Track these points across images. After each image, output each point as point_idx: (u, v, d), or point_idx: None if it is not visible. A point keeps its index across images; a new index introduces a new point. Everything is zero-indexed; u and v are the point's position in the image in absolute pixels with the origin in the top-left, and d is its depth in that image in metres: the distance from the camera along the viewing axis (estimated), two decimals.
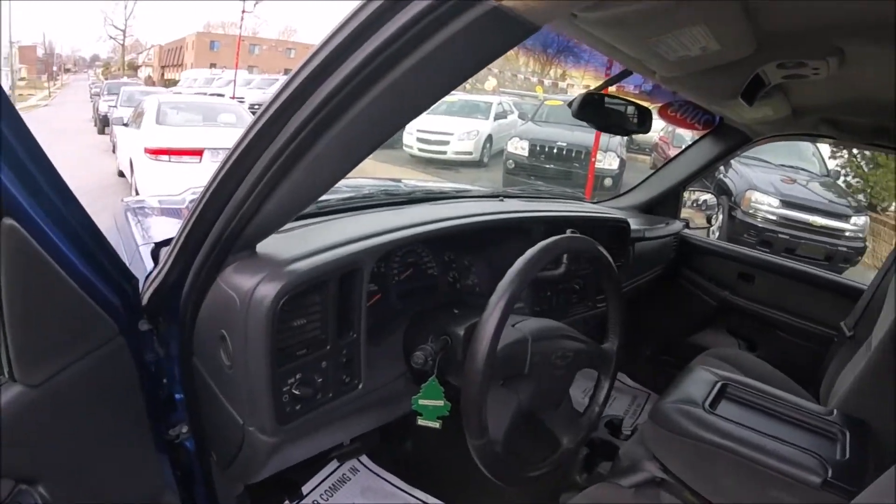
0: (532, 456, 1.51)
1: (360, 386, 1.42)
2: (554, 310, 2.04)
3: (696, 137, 3.02)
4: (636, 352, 3.25)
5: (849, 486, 1.46)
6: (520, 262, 1.31)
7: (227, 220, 1.18)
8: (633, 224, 2.60)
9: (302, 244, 1.35)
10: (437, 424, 1.47)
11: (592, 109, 1.89)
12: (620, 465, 1.79)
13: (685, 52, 1.38)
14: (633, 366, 3.25)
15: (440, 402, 1.46)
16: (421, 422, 1.48)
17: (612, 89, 1.97)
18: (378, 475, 2.36)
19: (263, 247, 1.32)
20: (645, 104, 2.05)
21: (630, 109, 2.01)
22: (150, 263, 1.39)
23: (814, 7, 1.27)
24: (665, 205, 3.10)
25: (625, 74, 1.85)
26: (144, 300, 1.31)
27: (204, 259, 1.25)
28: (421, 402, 1.46)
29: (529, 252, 1.34)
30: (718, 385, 1.87)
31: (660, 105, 2.54)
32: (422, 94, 0.97)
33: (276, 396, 1.25)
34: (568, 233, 1.57)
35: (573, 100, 1.91)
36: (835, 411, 1.85)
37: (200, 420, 1.40)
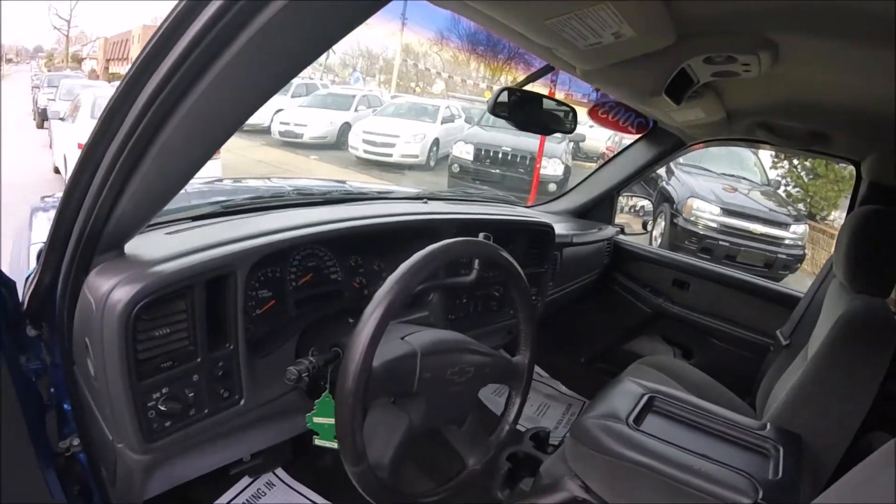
0: (431, 475, 1.40)
1: (242, 402, 1.32)
2: (471, 317, 1.95)
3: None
4: (571, 359, 3.22)
5: None
6: (401, 269, 1.19)
7: (86, 217, 1.08)
8: (562, 229, 2.53)
9: (176, 245, 1.25)
10: (335, 444, 1.31)
11: (510, 106, 1.79)
12: (541, 483, 1.70)
13: (596, 38, 1.27)
14: (568, 373, 3.19)
15: (331, 420, 1.34)
16: (318, 442, 1.37)
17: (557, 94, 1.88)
18: (295, 490, 2.22)
19: (134, 248, 1.21)
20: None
21: (552, 107, 1.93)
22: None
23: None
24: (600, 209, 3.05)
25: (546, 70, 1.77)
26: (25, 304, 1.22)
27: (70, 260, 1.15)
28: (315, 419, 1.34)
29: (413, 258, 1.21)
30: (645, 398, 1.79)
31: (590, 106, 2.48)
32: (265, 75, 0.87)
33: (140, 412, 1.15)
34: (480, 237, 1.46)
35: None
36: (768, 425, 1.79)
37: (88, 432, 1.30)
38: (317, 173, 11.59)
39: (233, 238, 1.31)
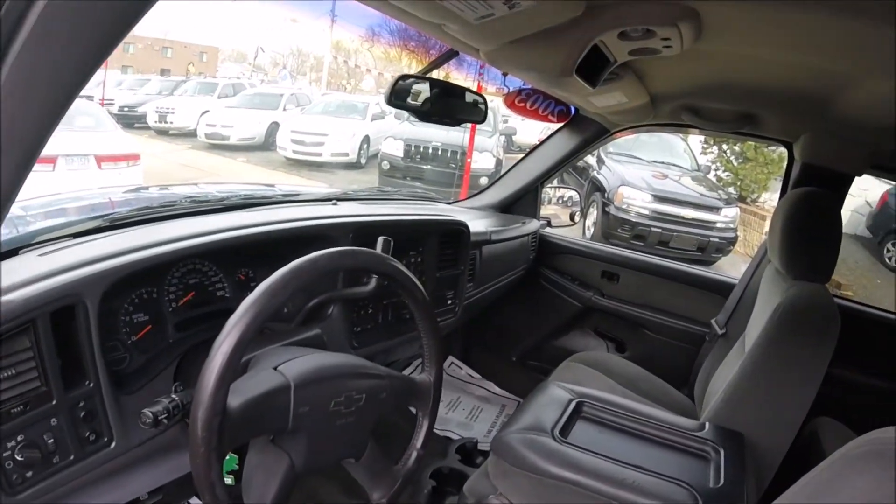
0: None
1: (113, 444, 1.17)
2: (380, 329, 1.81)
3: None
4: (502, 358, 3.14)
5: None
6: (256, 292, 1.03)
7: None
8: (481, 226, 2.44)
9: (34, 270, 1.10)
10: (229, 481, 1.17)
11: (409, 95, 1.66)
12: (465, 502, 1.60)
13: (487, 9, 1.13)
14: (500, 373, 3.13)
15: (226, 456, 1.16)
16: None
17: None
18: None
19: None
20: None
21: (460, 96, 1.82)
22: None
23: None
24: (524, 203, 2.98)
25: (450, 55, 1.64)
26: None
27: None
28: None
29: (272, 277, 1.06)
30: (573, 404, 1.71)
31: (505, 94, 2.36)
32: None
33: None
34: (380, 241, 1.33)
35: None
36: (707, 425, 1.73)
37: None
38: (244, 176, 11.32)
39: (83, 261, 1.15)
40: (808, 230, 1.90)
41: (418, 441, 1.34)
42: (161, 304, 1.36)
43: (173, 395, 1.12)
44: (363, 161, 12.89)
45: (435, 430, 2.44)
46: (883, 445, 0.87)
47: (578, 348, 2.82)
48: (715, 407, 1.83)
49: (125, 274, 1.18)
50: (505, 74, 1.75)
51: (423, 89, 1.68)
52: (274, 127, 13.52)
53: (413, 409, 1.34)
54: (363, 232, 1.68)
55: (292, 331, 1.44)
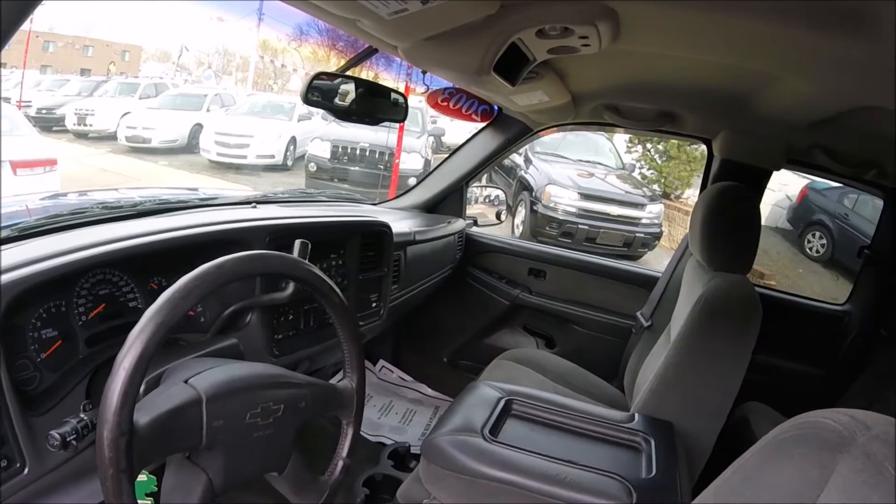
0: None
1: (27, 470, 1.10)
2: (303, 335, 1.75)
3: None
4: (433, 359, 3.14)
5: None
6: (159, 301, 0.98)
7: None
8: (405, 227, 2.42)
9: None
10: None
11: (327, 94, 1.61)
12: None
13: (400, 4, 1.11)
14: (432, 374, 3.12)
15: (143, 477, 1.14)
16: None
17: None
18: None
19: None
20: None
21: (379, 94, 1.79)
22: None
23: None
24: (449, 202, 2.98)
25: (368, 53, 1.61)
26: None
27: None
28: None
29: (175, 285, 1.01)
30: (502, 403, 1.70)
31: (428, 93, 2.35)
32: None
33: None
34: (297, 245, 1.30)
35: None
36: (636, 416, 1.76)
37: None
38: (166, 180, 10.97)
39: None
40: (727, 223, 1.95)
41: (344, 450, 1.31)
42: (71, 318, 1.28)
43: (82, 415, 1.04)
44: (289, 163, 12.63)
45: (367, 436, 2.42)
46: (810, 429, 0.88)
47: (508, 346, 2.85)
48: (643, 398, 1.86)
49: (28, 286, 1.10)
50: (424, 72, 1.74)
51: (345, 88, 1.65)
52: (197, 128, 13.10)
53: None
54: (280, 235, 1.63)
55: (207, 341, 1.39)
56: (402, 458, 2.10)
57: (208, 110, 13.89)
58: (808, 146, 2.34)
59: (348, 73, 1.71)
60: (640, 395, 1.91)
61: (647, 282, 2.75)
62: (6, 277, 1.08)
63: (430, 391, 3.11)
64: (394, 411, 2.92)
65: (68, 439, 1.00)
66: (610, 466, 1.48)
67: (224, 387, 1.08)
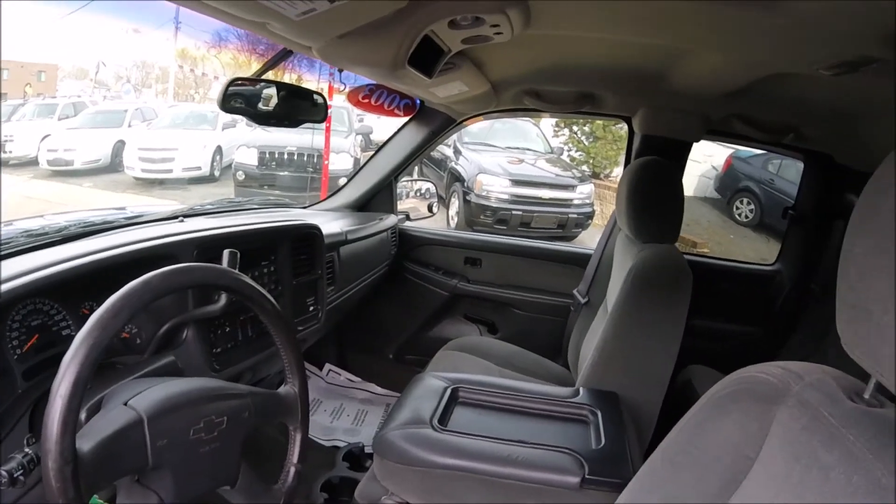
0: None
1: None
2: (242, 346, 1.73)
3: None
4: (379, 357, 3.15)
5: (610, 479, 1.38)
6: (87, 325, 0.97)
7: None
8: (336, 227, 2.41)
9: None
10: None
11: (246, 99, 1.60)
12: None
13: (307, 5, 1.11)
14: (380, 372, 3.12)
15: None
16: None
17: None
18: None
19: None
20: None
21: (297, 96, 1.79)
22: None
23: None
24: (380, 199, 2.99)
25: (284, 55, 1.61)
26: None
27: None
28: None
29: (102, 307, 1.00)
30: (448, 392, 1.72)
31: (348, 91, 2.35)
32: None
33: None
34: (225, 255, 1.30)
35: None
36: (581, 390, 1.79)
37: None
38: (93, 203, 10.49)
39: None
40: (651, 197, 2.01)
41: (294, 456, 1.32)
42: (5, 353, 1.23)
43: (27, 449, 1.00)
44: (217, 173, 12.33)
45: (321, 441, 2.41)
46: (745, 384, 0.92)
47: (452, 335, 2.85)
48: (586, 372, 1.91)
49: None
50: (340, 71, 1.74)
51: (267, 93, 1.65)
52: (120, 146, 12.58)
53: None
54: (208, 246, 1.61)
55: (145, 361, 1.37)
56: (358, 458, 2.10)
57: (130, 126, 13.37)
58: (726, 116, 2.44)
59: (267, 76, 1.70)
60: (583, 369, 1.96)
61: (581, 260, 2.81)
62: None
63: (379, 389, 3.10)
64: (345, 413, 2.90)
65: (15, 475, 0.97)
66: (560, 442, 1.51)
67: (164, 405, 1.08)
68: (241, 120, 13.28)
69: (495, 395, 1.74)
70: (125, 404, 1.06)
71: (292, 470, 1.31)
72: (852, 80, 1.59)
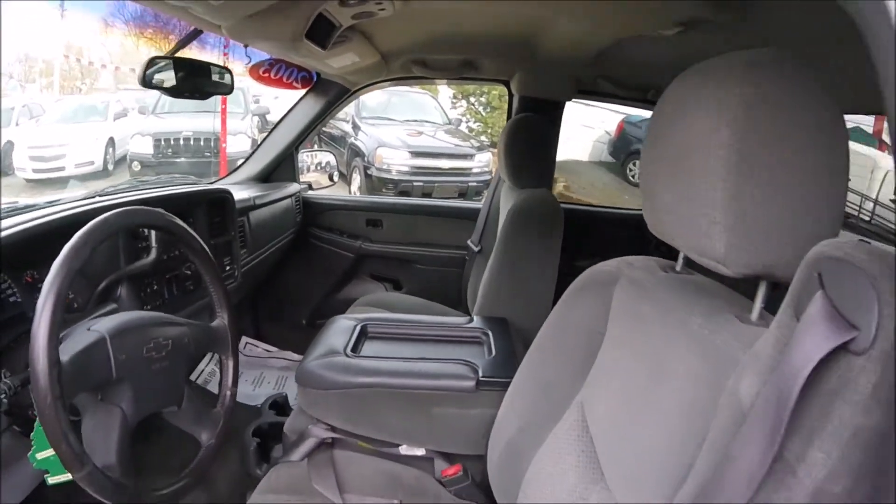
0: (174, 465, 1.38)
1: None
2: (167, 303, 1.87)
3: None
4: (293, 324, 3.28)
5: (501, 378, 1.55)
6: (62, 253, 1.16)
7: None
8: (244, 194, 2.53)
9: None
10: (69, 476, 1.22)
11: (161, 75, 1.75)
12: (289, 442, 1.74)
13: None
14: (295, 339, 3.20)
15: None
16: (51, 480, 1.25)
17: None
18: None
19: None
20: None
21: (205, 70, 1.93)
22: None
23: None
24: (283, 170, 3.10)
25: (195, 34, 1.77)
26: None
27: None
28: (39, 455, 1.23)
29: (72, 239, 1.19)
30: (358, 328, 1.89)
31: (249, 66, 2.49)
32: None
33: None
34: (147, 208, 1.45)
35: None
36: (475, 318, 2.01)
37: None
38: None
39: None
40: (525, 148, 2.27)
41: (228, 380, 1.52)
42: None
43: (5, 381, 1.21)
44: (110, 167, 11.54)
45: (246, 404, 2.53)
46: (591, 275, 1.20)
47: (360, 295, 2.99)
48: (478, 304, 2.14)
49: None
50: (246, 46, 1.91)
51: (177, 68, 1.79)
52: (9, 146, 11.54)
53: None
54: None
55: (88, 315, 1.49)
56: (283, 406, 2.22)
57: (17, 125, 12.40)
58: (594, 77, 2.72)
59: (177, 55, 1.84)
60: (476, 301, 2.19)
61: (471, 213, 3.03)
62: None
63: (296, 356, 3.17)
64: (266, 381, 2.99)
65: (1, 398, 1.18)
66: (457, 357, 1.72)
67: (121, 326, 1.27)
68: (132, 108, 12.70)
69: (400, 328, 1.93)
70: (88, 329, 1.25)
71: (228, 393, 1.51)
72: (693, 39, 1.85)
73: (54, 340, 1.08)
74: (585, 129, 10.95)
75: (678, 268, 1.05)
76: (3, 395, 1.18)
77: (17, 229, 1.44)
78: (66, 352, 1.15)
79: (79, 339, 1.21)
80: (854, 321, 0.58)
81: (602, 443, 1.04)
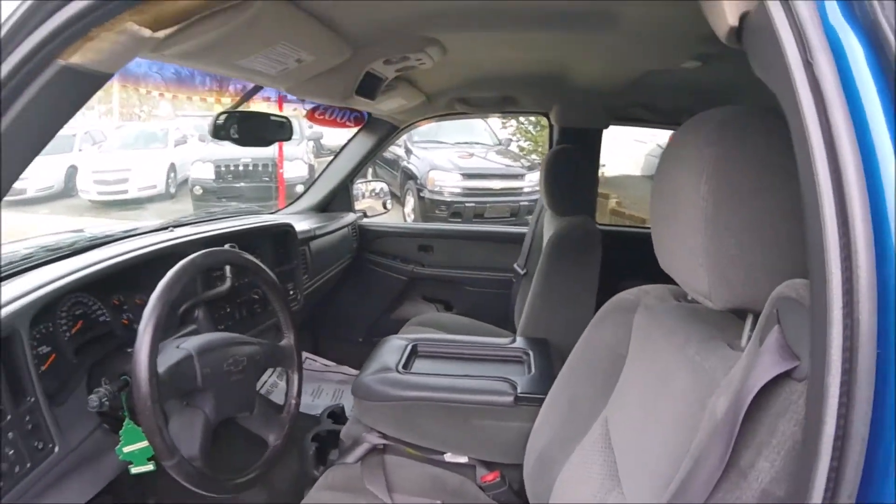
0: (245, 462, 1.57)
1: (57, 448, 1.37)
2: (238, 324, 2.08)
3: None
4: (350, 342, 3.42)
5: (538, 395, 1.65)
6: (159, 287, 1.39)
7: None
8: (305, 225, 2.72)
9: None
10: (151, 466, 1.46)
11: (230, 128, 1.91)
12: (344, 447, 1.89)
13: (282, 66, 1.53)
14: (352, 355, 3.34)
15: (144, 443, 1.44)
16: (134, 470, 1.46)
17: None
18: None
19: None
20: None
21: (268, 120, 2.11)
22: None
23: (384, 7, 1.45)
24: (339, 200, 3.28)
25: (257, 89, 1.97)
26: None
27: None
28: (125, 449, 1.44)
29: (167, 276, 1.41)
30: (409, 347, 2.05)
31: (308, 111, 2.69)
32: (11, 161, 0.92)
33: None
34: (227, 248, 1.67)
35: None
36: (517, 339, 2.15)
37: None
38: (54, 228, 10.18)
39: (6, 301, 1.35)
40: (563, 179, 2.41)
41: (294, 391, 1.73)
42: (58, 336, 1.53)
43: (106, 386, 1.42)
44: (173, 190, 12.22)
45: (306, 413, 2.69)
46: (615, 303, 1.32)
47: (413, 315, 3.15)
48: (521, 325, 2.28)
49: (45, 303, 1.41)
50: (303, 100, 2.11)
51: (242, 120, 1.96)
52: (72, 171, 12.36)
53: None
54: (211, 244, 1.89)
55: (171, 334, 1.69)
56: (340, 416, 2.36)
57: (80, 150, 13.09)
58: (627, 104, 2.87)
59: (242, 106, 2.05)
60: (519, 323, 2.32)
61: (518, 238, 3.14)
62: (27, 300, 1.38)
63: (353, 371, 3.27)
64: (324, 394, 3.10)
65: (103, 401, 1.39)
66: (498, 374, 1.86)
67: (206, 345, 1.50)
68: (192, 135, 13.08)
69: (448, 348, 2.08)
70: (178, 347, 1.47)
71: (293, 402, 1.73)
72: (715, 69, 1.98)
73: (153, 356, 1.31)
74: (637, 143, 10.84)
75: (689, 297, 1.13)
76: (105, 399, 1.40)
77: (110, 263, 1.66)
78: (161, 364, 1.37)
79: (170, 354, 1.43)
80: (798, 353, 0.69)
81: (620, 453, 1.16)
